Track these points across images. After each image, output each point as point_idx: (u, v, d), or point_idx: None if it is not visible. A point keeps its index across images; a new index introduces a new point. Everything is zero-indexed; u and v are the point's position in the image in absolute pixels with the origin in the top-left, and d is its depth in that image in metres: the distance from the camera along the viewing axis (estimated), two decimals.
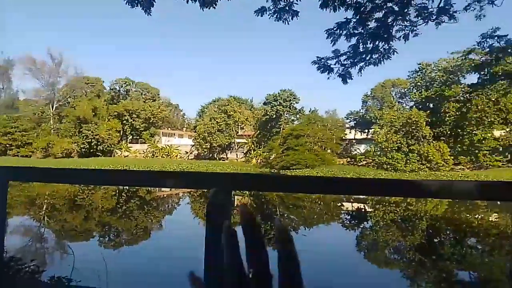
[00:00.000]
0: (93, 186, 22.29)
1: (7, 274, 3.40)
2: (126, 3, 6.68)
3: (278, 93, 50.23)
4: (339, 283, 6.20)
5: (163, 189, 23.44)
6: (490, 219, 14.22)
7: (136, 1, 6.68)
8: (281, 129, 48.02)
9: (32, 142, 51.15)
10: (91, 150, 51.96)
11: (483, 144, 35.01)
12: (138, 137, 59.40)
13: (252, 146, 49.84)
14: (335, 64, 8.74)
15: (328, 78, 8.82)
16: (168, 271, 6.64)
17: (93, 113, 52.80)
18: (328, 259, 7.75)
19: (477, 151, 35.38)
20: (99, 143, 52.02)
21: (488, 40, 8.32)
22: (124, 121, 57.23)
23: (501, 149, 35.49)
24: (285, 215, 15.45)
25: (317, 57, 8.94)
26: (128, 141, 59.36)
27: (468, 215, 15.46)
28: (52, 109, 56.76)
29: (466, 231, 12.07)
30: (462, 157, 36.36)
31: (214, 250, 1.93)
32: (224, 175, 2.09)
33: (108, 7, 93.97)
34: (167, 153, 53.17)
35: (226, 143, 52.21)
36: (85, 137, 51.42)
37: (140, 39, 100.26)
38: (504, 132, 35.56)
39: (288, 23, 7.38)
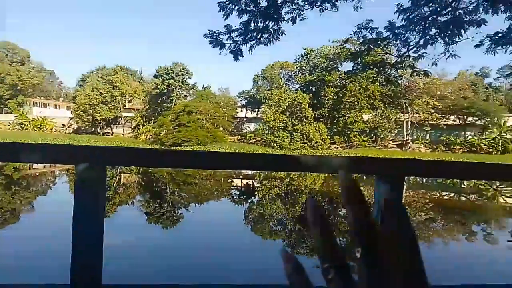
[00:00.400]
0: None
1: None
2: None
3: (170, 66, 48.41)
4: (228, 256, 6.41)
5: (34, 166, 20.69)
6: None
7: None
8: (173, 104, 46.66)
9: None
10: None
11: (354, 126, 39.85)
12: (2, 106, 50.86)
13: (141, 121, 47.37)
14: (227, 40, 8.71)
15: (220, 53, 8.78)
16: (37, 254, 5.98)
17: None
18: (217, 234, 7.93)
19: (349, 132, 40.13)
20: None
21: (362, 31, 9.05)
22: None
23: (368, 131, 40.92)
24: (176, 193, 15.23)
25: (209, 30, 8.79)
26: None
27: (339, 189, 17.53)
28: None
29: (338, 202, 13.69)
30: (337, 137, 40.80)
31: (82, 231, 1.74)
32: (96, 148, 1.91)
33: None
34: (39, 126, 46.82)
35: (112, 117, 48.47)
36: None
37: None
38: (371, 116, 40.99)
39: None
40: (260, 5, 8.23)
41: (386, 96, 41.59)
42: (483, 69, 55.79)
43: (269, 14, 8.17)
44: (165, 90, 47.62)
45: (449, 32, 7.85)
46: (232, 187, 17.51)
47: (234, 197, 14.69)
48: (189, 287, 2.26)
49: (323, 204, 13.39)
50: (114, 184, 16.51)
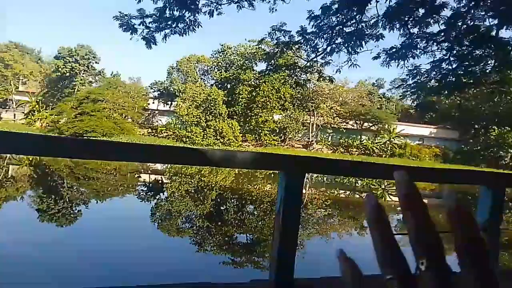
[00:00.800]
0: None
1: None
2: None
3: (75, 48, 44.29)
4: (128, 256, 6.08)
5: None
6: (265, 189, 17.00)
7: None
8: (76, 90, 42.71)
9: None
10: None
11: (265, 125, 41.27)
12: None
13: (37, 106, 42.38)
14: (139, 25, 8.24)
15: (131, 38, 8.28)
16: None
17: None
18: (119, 232, 7.49)
19: (260, 131, 41.42)
20: None
21: (276, 32, 9.33)
22: None
23: (277, 131, 42.72)
24: (74, 187, 13.97)
25: (120, 12, 8.22)
26: None
27: (249, 185, 17.97)
28: None
29: (246, 199, 14.01)
30: (249, 135, 41.80)
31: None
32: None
33: None
34: None
35: (1, 99, 42.49)
36: None
37: None
38: (281, 117, 42.88)
39: None
40: None
41: (296, 98, 43.99)
42: (378, 80, 62.36)
43: (186, 3, 7.94)
44: (67, 74, 43.38)
45: (352, 42, 8.55)
46: (139, 183, 16.69)
47: (141, 193, 14.02)
48: None
49: (232, 201, 13.57)
50: (0, 177, 14.53)
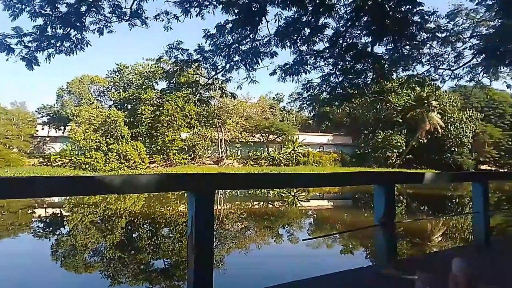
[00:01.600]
0: None
1: None
2: None
3: None
4: None
5: None
6: (179, 209, 16.58)
7: None
8: None
9: None
10: None
11: (173, 144, 40.39)
12: None
13: None
14: (16, 45, 7.47)
15: (7, 59, 7.46)
16: None
17: None
18: (13, 278, 6.62)
19: (168, 150, 40.37)
20: None
21: (174, 50, 9.35)
22: None
23: (186, 149, 42.16)
24: None
25: None
26: None
27: (162, 208, 17.34)
28: None
29: (160, 222, 13.48)
30: (156, 155, 40.42)
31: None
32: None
33: None
34: None
35: None
36: None
37: None
38: (188, 134, 42.47)
39: None
40: (59, 9, 7.43)
41: (202, 115, 44.13)
42: (278, 94, 66.30)
43: (70, 20, 7.45)
44: None
45: (249, 59, 9.00)
46: (34, 219, 14.85)
47: (37, 230, 12.50)
48: None
49: (145, 226, 12.95)
50: None
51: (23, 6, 7.08)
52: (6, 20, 7.24)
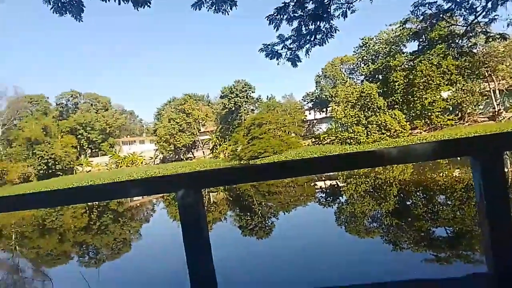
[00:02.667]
0: (60, 208, 21.39)
1: None
2: (53, 12, 6.22)
3: (233, 84, 50.23)
4: (329, 259, 6.49)
5: (135, 198, 22.92)
6: (454, 175, 15.27)
7: (64, 9, 6.24)
8: (243, 120, 48.21)
9: None
10: (50, 171, 49.32)
11: (434, 106, 37.05)
12: (97, 149, 57.22)
13: (217, 141, 49.69)
14: (282, 49, 8.88)
15: (278, 63, 8.99)
16: (155, 276, 6.66)
17: (44, 132, 50.04)
18: (312, 238, 8.05)
19: (429, 114, 37.42)
20: (56, 162, 49.47)
21: (420, 8, 8.63)
22: (79, 136, 54.92)
23: (451, 109, 37.81)
24: (263, 203, 15.72)
25: (263, 44, 9.05)
26: (87, 155, 57.05)
27: (433, 174, 16.47)
28: None
29: (434, 190, 12.90)
30: (417, 121, 38.33)
31: (192, 249, 2.02)
32: (189, 175, 2.09)
33: (34, 19, 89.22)
34: (131, 162, 51.76)
35: (190, 142, 51.68)
36: (40, 158, 48.66)
37: (79, 48, 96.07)
38: (450, 92, 37.81)
39: (228, 14, 7.18)
40: (308, 8, 8.33)
41: (463, 68, 38.07)
42: None
43: (318, 14, 8.22)
44: (233, 108, 49.47)
45: None
46: (317, 190, 17.52)
47: (321, 199, 14.69)
48: None
49: (417, 194, 12.75)
50: (206, 203, 17.59)
51: (281, 16, 8.39)
52: (271, 32, 8.84)
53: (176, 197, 1.97)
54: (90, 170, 52.57)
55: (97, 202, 22.33)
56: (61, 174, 50.02)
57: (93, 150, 57.67)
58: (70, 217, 19.31)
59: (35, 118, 52.62)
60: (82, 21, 6.49)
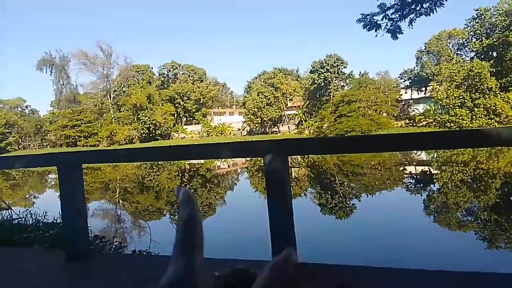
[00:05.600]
0: (157, 168, 23.65)
1: (94, 251, 3.84)
2: None
3: (324, 59, 48.64)
4: (411, 246, 6.12)
5: (221, 166, 24.20)
6: None
7: None
8: (331, 96, 46.83)
9: (97, 132, 54.81)
10: (150, 135, 54.72)
11: None
12: (191, 118, 61.26)
13: (303, 116, 49.34)
14: (382, 20, 8.19)
15: (376, 35, 8.34)
16: (237, 240, 6.99)
17: (148, 100, 55.11)
18: (394, 227, 7.65)
19: None
20: (156, 128, 54.57)
21: None
22: (177, 104, 59.26)
23: None
24: (345, 183, 15.34)
25: (362, 14, 8.45)
26: (183, 123, 61.58)
27: None
28: (110, 99, 60.14)
29: None
30: None
31: (275, 212, 2.03)
32: (276, 141, 2.15)
33: None
34: (221, 132, 54.58)
35: (277, 116, 52.18)
36: (143, 123, 54.08)
37: (180, 21, 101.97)
38: None
39: None
40: None
41: None
42: None
43: None
44: (322, 84, 48.18)
45: None
46: (405, 175, 16.43)
47: (409, 186, 13.75)
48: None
49: None
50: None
51: None
52: (369, 1, 8.20)
53: (264, 162, 2.03)
54: (184, 137, 56.82)
55: (188, 167, 24.10)
56: (160, 138, 55.13)
57: (188, 119, 61.87)
58: (165, 178, 21.24)
59: (141, 86, 58.02)
60: None
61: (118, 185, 19.78)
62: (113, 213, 12.75)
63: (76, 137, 54.58)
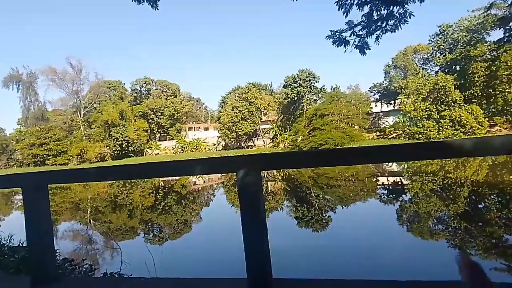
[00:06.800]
0: (130, 186, 23.05)
1: (63, 274, 3.68)
2: (132, 0, 6.57)
3: (297, 74, 49.57)
4: (386, 257, 6.21)
5: (197, 182, 23.90)
6: None
7: None
8: (304, 110, 47.59)
9: (67, 150, 53.06)
10: (123, 152, 53.44)
11: None
12: (165, 134, 60.56)
13: (278, 130, 49.76)
14: (350, 36, 8.46)
15: (345, 51, 8.59)
16: (212, 257, 6.87)
17: (120, 116, 54.06)
18: (371, 236, 7.76)
19: None
20: (129, 144, 53.40)
21: None
22: (150, 120, 58.49)
23: None
24: (320, 196, 15.47)
25: (331, 31, 8.69)
26: (156, 139, 60.68)
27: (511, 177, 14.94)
28: (81, 116, 58.60)
29: (511, 193, 11.69)
30: (497, 117, 34.89)
31: (249, 228, 2.02)
32: (250, 156, 2.11)
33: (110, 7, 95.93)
34: (195, 147, 54.11)
35: (252, 131, 52.37)
36: (115, 139, 52.82)
37: (151, 35, 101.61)
38: None
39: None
40: None
41: None
42: None
43: None
44: (295, 98, 48.95)
45: None
46: (378, 186, 16.79)
47: (382, 196, 14.05)
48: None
49: (492, 197, 11.64)
50: (263, 192, 17.78)
51: (351, 1, 7.99)
52: (339, 18, 8.45)
53: (237, 177, 2.00)
54: (158, 153, 55.93)
55: (163, 184, 23.64)
56: (133, 155, 53.96)
57: (162, 134, 61.14)
58: (139, 195, 20.72)
59: (113, 103, 57.00)
60: (157, 9, 6.77)
61: (89, 204, 19.12)
62: (84, 234, 12.26)
63: (45, 155, 52.65)
